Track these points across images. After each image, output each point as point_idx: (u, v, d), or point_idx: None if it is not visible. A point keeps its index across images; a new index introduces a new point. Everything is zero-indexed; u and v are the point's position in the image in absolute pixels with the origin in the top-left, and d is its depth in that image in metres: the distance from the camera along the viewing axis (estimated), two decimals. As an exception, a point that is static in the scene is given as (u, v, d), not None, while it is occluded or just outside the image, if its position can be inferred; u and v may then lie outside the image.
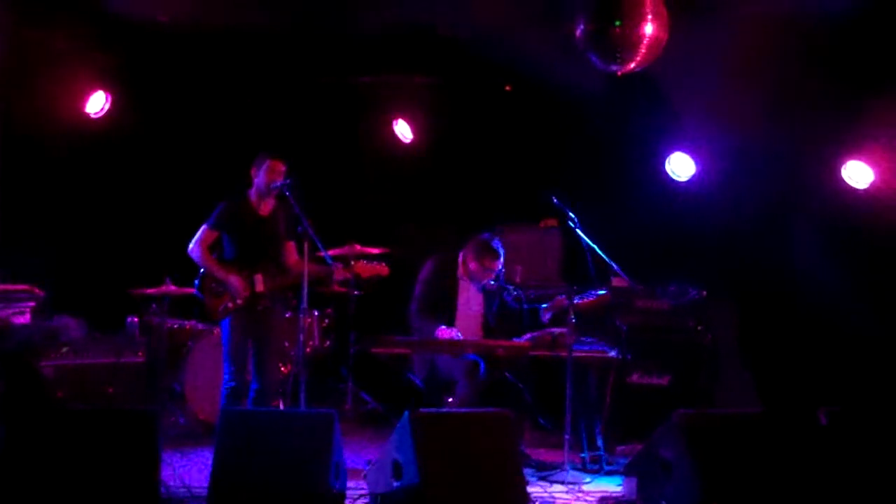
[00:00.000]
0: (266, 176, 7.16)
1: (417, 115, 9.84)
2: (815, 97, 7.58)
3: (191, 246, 7.19)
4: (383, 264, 7.52)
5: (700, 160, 8.71)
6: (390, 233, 9.12)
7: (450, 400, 7.22)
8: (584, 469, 7.10)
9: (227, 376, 7.18)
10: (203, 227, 7.20)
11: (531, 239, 9.08)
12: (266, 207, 7.28)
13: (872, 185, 7.90)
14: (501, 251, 7.42)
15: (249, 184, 7.26)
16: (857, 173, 7.91)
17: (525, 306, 7.53)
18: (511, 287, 7.51)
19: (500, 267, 7.44)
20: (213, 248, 7.23)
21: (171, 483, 6.10)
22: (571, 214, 7.35)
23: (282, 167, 7.18)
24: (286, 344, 8.27)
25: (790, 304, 8.24)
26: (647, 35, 6.52)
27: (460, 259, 7.52)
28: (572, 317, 6.92)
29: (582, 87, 8.24)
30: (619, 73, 6.79)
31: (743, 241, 8.39)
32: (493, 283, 7.49)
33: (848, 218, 7.99)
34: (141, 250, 9.06)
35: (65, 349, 7.85)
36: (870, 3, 7.23)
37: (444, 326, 7.25)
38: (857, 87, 7.51)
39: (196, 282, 7.25)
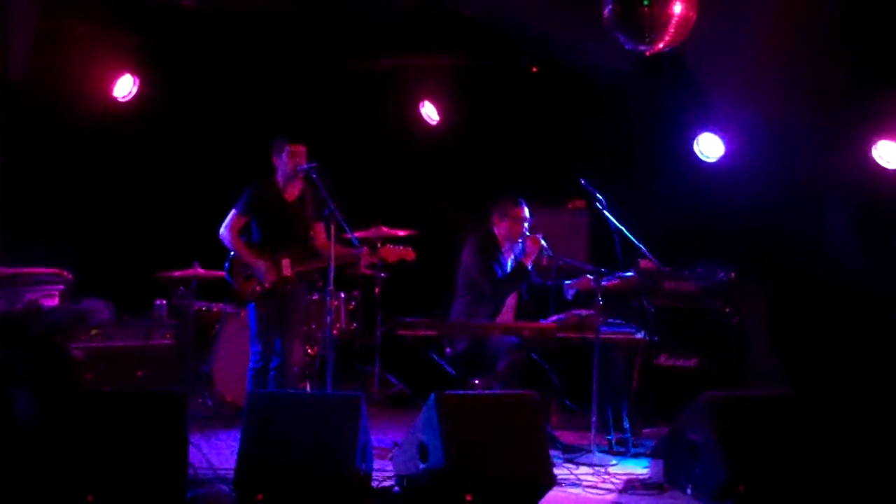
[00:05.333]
0: (289, 160, 7.19)
1: (444, 96, 9.82)
2: (846, 77, 7.49)
3: (221, 230, 7.26)
4: (409, 249, 7.52)
5: (729, 141, 8.64)
6: (417, 215, 9.10)
7: (476, 382, 7.22)
8: (611, 451, 7.09)
9: (254, 357, 7.26)
10: (232, 212, 7.26)
11: (559, 221, 9.06)
12: (293, 191, 7.30)
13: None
14: (522, 199, 7.46)
15: (274, 170, 7.28)
16: (888, 153, 7.82)
17: (549, 283, 7.53)
18: (545, 245, 7.44)
19: (528, 216, 7.42)
20: (242, 231, 7.28)
21: (199, 464, 6.13)
22: (599, 196, 7.32)
23: (302, 148, 7.22)
24: (313, 326, 8.29)
25: (819, 285, 8.17)
26: (676, 14, 6.45)
27: (495, 230, 7.51)
28: (600, 298, 6.90)
29: (609, 68, 8.19)
30: (648, 53, 6.74)
31: (771, 222, 8.33)
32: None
33: (878, 198, 7.91)
34: (169, 233, 9.12)
35: (94, 332, 7.89)
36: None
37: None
38: (887, 67, 7.42)
39: (226, 265, 7.32)
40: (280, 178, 7.28)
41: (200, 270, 8.08)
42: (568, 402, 7.87)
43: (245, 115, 9.45)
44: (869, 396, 6.14)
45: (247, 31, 8.76)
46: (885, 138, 7.81)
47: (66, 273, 8.07)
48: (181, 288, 8.39)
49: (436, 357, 7.39)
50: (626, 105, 8.81)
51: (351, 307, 8.90)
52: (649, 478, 6.33)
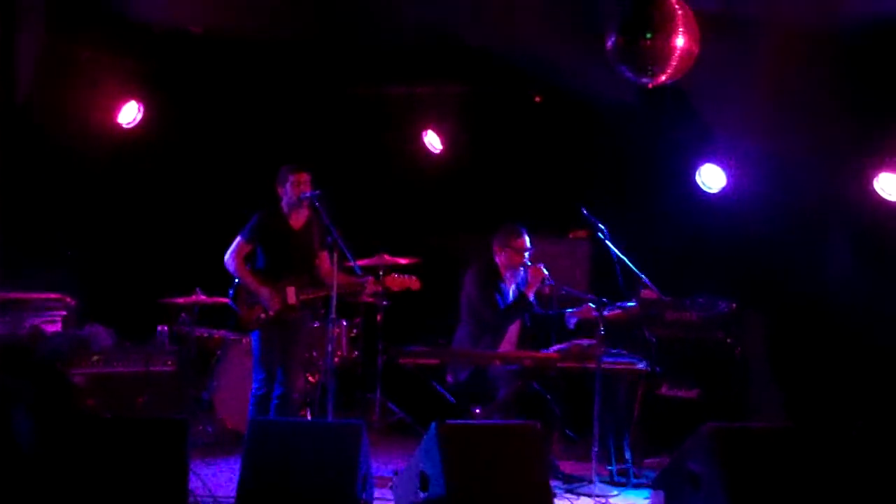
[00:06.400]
0: (293, 189, 7.22)
1: (447, 125, 9.84)
2: (847, 109, 7.52)
3: (226, 257, 7.28)
4: (414, 278, 7.53)
5: (731, 172, 8.66)
6: (419, 243, 9.11)
7: (477, 411, 7.21)
8: (612, 482, 7.07)
9: (256, 384, 7.26)
10: (238, 239, 7.28)
11: (560, 250, 9.07)
12: (299, 219, 7.33)
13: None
14: (523, 229, 7.43)
15: (279, 199, 7.31)
16: (890, 185, 7.83)
17: (551, 312, 7.54)
18: (547, 275, 7.43)
19: (529, 246, 7.41)
20: (247, 258, 7.30)
21: (199, 492, 6.12)
22: (601, 226, 7.34)
23: (306, 177, 7.25)
24: (314, 354, 8.29)
25: (821, 316, 8.17)
26: (679, 47, 6.49)
27: (496, 259, 7.51)
28: (601, 328, 6.90)
29: (612, 99, 8.22)
30: (650, 86, 6.77)
31: (773, 253, 8.33)
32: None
33: (880, 230, 7.92)
34: (171, 260, 9.12)
35: (95, 358, 7.90)
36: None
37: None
38: (888, 99, 7.45)
39: (230, 292, 7.33)
40: (285, 206, 7.30)
41: (202, 297, 8.10)
42: (569, 432, 7.85)
43: (249, 141, 9.49)
44: (870, 429, 6.11)
45: (251, 58, 8.80)
46: (887, 171, 7.83)
47: (68, 299, 8.09)
48: (183, 314, 8.40)
49: (437, 385, 7.39)
50: (628, 136, 8.84)
51: (352, 335, 8.90)
52: (650, 509, 6.31)
